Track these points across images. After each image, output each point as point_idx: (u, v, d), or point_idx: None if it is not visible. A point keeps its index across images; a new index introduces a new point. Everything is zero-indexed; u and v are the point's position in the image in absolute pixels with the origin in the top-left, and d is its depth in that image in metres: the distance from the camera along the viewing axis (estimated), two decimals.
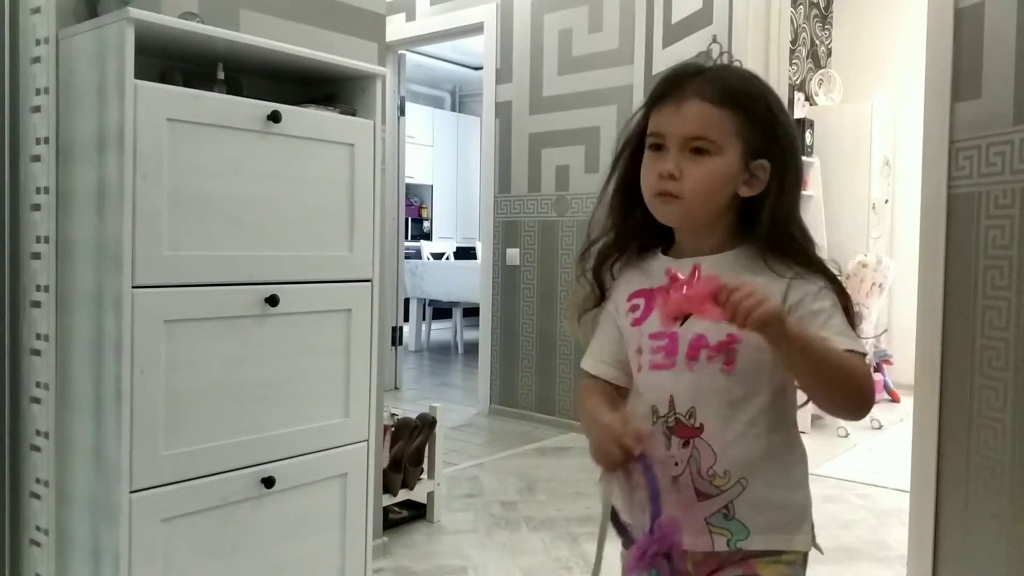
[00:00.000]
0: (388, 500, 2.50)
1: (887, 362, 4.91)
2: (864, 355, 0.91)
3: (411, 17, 4.71)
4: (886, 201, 5.15)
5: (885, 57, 5.32)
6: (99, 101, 1.53)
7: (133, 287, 1.49)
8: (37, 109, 1.62)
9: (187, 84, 1.75)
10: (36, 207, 1.62)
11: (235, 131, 1.65)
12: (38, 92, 1.62)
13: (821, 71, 5.36)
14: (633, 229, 1.02)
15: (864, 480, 3.25)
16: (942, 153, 1.98)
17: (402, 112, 5.07)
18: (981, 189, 1.85)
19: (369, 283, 1.93)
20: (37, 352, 1.62)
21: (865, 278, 4.10)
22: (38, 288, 1.62)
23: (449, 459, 3.21)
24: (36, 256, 1.63)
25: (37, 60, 1.63)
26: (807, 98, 5.19)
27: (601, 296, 1.06)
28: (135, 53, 1.50)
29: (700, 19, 3.29)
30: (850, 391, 0.88)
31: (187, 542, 1.59)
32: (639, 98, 3.75)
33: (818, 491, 3.06)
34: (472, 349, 7.01)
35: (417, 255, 7.60)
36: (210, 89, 1.75)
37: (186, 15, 1.86)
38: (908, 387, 4.87)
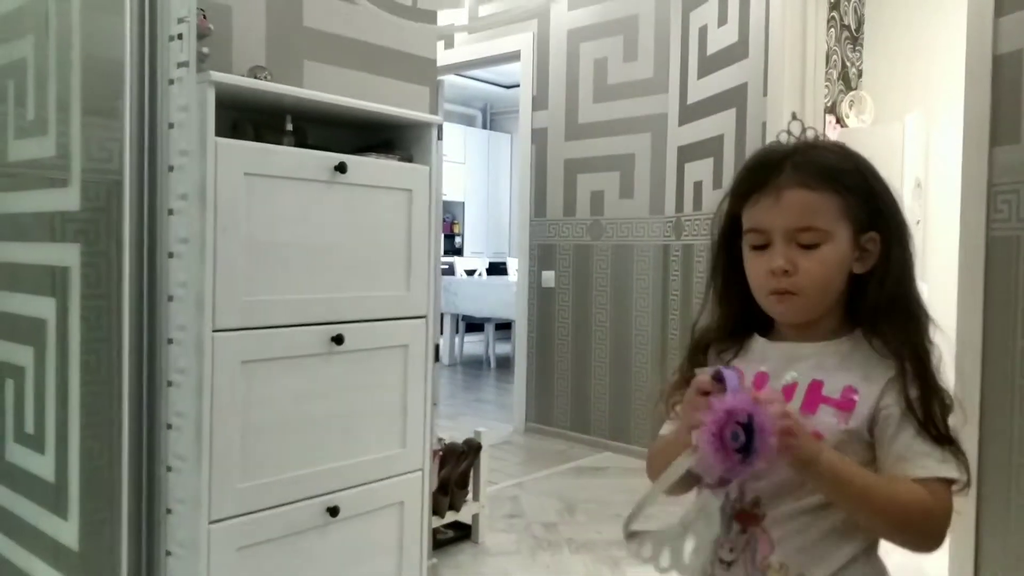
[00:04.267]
0: (435, 522, 2.60)
1: None
2: (949, 481, 0.83)
3: (450, 45, 4.83)
4: (917, 222, 5.17)
5: (917, 78, 5.35)
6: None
7: (214, 331, 1.60)
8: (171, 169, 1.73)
9: (257, 134, 1.87)
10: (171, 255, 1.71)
11: (305, 182, 1.76)
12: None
13: (852, 93, 5.40)
14: (734, 318, 0.99)
15: None
16: (981, 196, 2.04)
17: (439, 137, 5.19)
18: (1020, 232, 1.91)
19: (424, 319, 2.03)
20: (171, 383, 1.71)
21: None
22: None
23: (489, 478, 3.29)
24: (170, 298, 1.73)
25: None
26: (838, 120, 5.22)
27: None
28: None
29: (737, 51, 3.37)
30: (904, 530, 0.82)
31: (260, 570, 1.70)
32: (674, 126, 3.84)
33: None
34: (503, 363, 7.11)
35: (450, 271, 7.72)
36: (279, 139, 1.86)
37: (255, 68, 1.98)
38: None
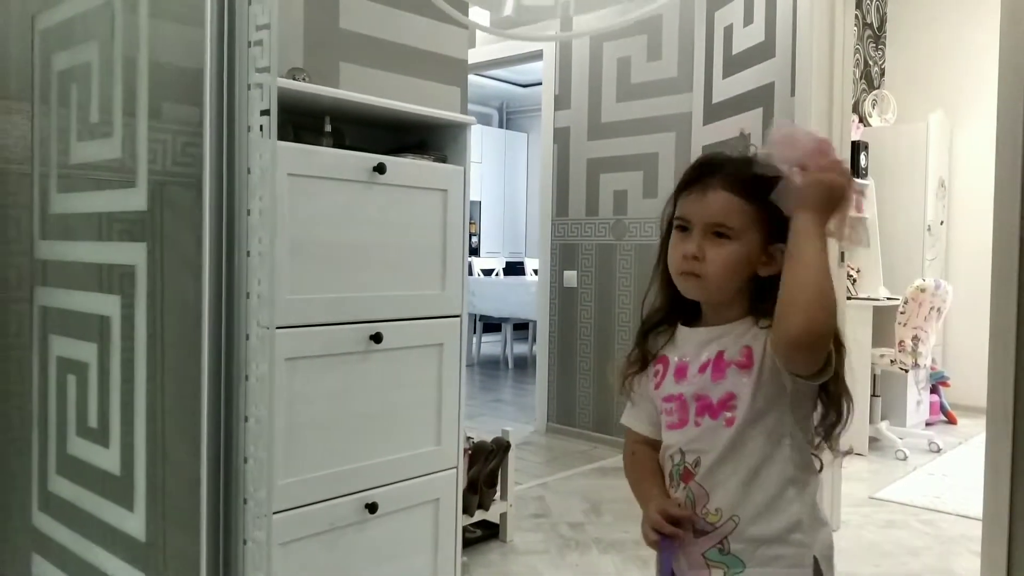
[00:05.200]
0: (464, 520, 2.61)
1: (944, 384, 4.90)
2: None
3: (471, 44, 4.85)
4: (941, 223, 5.14)
5: (940, 77, 5.32)
6: None
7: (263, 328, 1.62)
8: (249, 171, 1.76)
9: (296, 135, 1.89)
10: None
11: (344, 182, 1.78)
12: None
13: (875, 92, 5.38)
14: (672, 302, 1.13)
15: (926, 505, 3.27)
16: (1015, 195, 2.03)
17: None
18: None
19: (458, 319, 2.05)
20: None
21: (924, 302, 4.12)
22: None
23: (514, 478, 3.31)
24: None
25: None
26: (861, 119, 5.21)
27: (644, 361, 1.15)
28: None
29: (763, 51, 3.36)
30: (822, 312, 0.93)
31: (301, 565, 1.72)
32: (698, 125, 3.84)
33: (881, 516, 3.13)
34: (520, 364, 7.12)
35: (468, 271, 7.74)
36: (318, 140, 1.89)
37: (294, 70, 2.01)
38: (964, 408, 4.87)
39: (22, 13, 1.42)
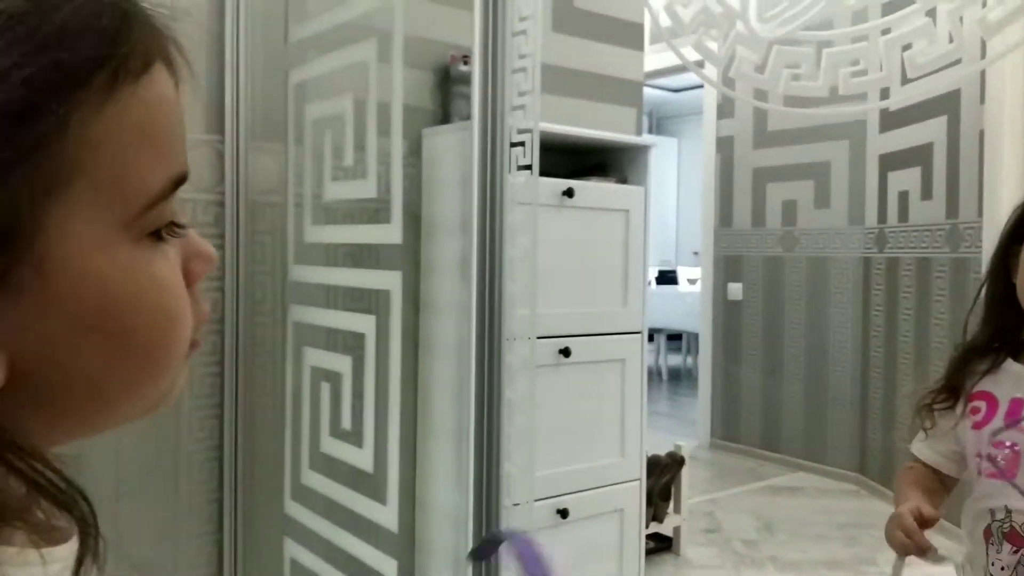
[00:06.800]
0: None
1: None
2: None
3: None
4: None
5: None
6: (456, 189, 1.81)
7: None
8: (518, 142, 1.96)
9: None
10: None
11: (539, 207, 1.89)
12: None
13: None
14: (1001, 331, 1.01)
15: None
16: None
17: None
18: None
19: (639, 335, 2.11)
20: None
21: None
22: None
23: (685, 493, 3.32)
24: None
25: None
26: None
27: (953, 394, 1.04)
28: None
29: (946, 60, 3.20)
30: None
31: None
32: (874, 133, 3.70)
33: None
34: (675, 375, 7.04)
35: None
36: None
37: None
38: None
39: (276, 68, 1.64)
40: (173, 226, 0.34)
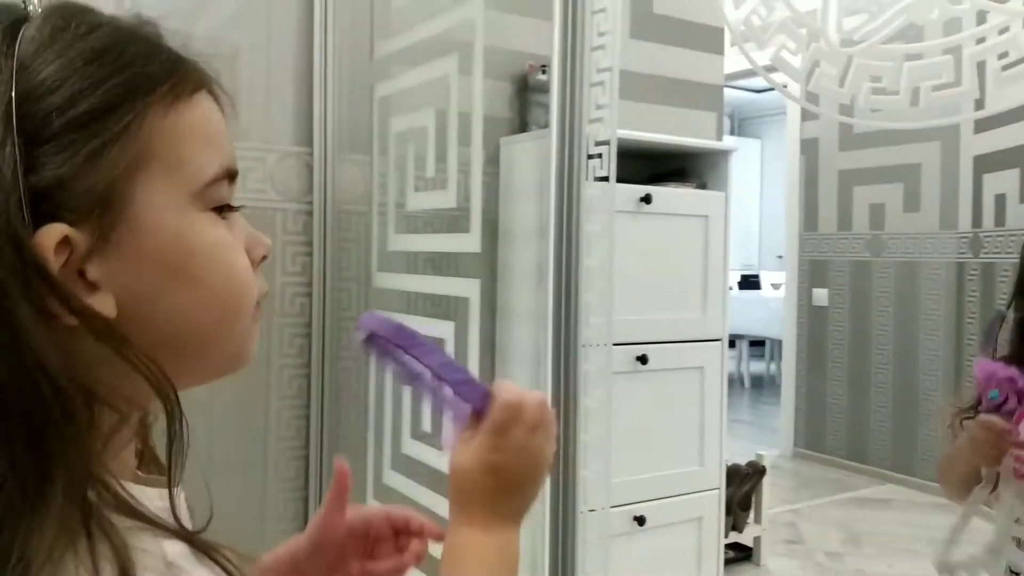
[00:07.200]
0: None
1: None
2: None
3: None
4: None
5: None
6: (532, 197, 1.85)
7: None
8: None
9: None
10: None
11: (616, 213, 1.90)
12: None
13: None
14: None
15: None
16: None
17: None
18: None
19: (719, 342, 2.09)
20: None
21: None
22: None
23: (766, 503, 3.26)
24: None
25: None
26: None
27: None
28: None
29: None
30: None
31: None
32: (968, 134, 3.54)
33: None
34: (757, 383, 6.88)
35: None
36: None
37: None
38: None
39: (363, 83, 1.71)
40: (229, 208, 0.43)
